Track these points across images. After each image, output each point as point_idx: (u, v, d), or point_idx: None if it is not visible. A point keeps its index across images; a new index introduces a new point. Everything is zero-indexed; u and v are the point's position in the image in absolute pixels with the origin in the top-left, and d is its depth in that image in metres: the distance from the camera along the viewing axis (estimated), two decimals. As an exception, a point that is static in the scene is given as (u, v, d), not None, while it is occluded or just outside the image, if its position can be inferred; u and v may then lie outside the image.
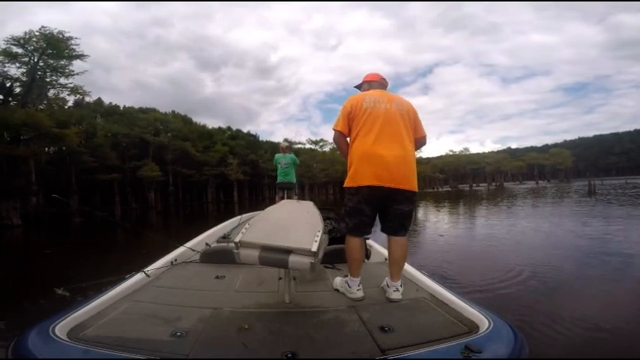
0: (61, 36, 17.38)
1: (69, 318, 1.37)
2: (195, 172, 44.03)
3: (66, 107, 27.87)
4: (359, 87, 2.27)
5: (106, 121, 39.51)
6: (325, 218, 2.31)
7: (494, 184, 74.36)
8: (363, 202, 1.90)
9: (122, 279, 1.98)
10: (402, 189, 1.88)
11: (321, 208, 2.31)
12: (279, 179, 6.39)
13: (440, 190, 64.69)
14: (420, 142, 2.11)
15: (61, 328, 1.29)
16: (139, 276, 2.06)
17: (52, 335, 1.22)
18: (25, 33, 16.64)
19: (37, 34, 16.79)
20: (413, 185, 1.93)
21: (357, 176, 1.90)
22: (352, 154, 1.97)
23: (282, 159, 6.42)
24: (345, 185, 1.99)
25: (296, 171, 6.69)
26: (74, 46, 17.88)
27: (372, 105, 1.95)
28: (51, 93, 19.18)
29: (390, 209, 1.93)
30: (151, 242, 6.56)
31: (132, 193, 37.52)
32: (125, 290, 1.83)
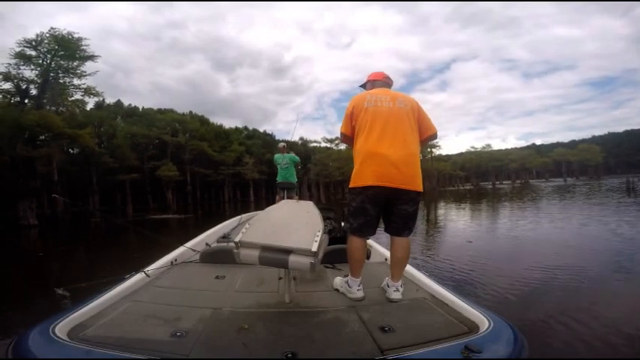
0: (70, 37, 17.64)
1: (69, 318, 1.36)
2: (212, 171, 44.69)
3: (87, 109, 28.39)
4: (364, 86, 2.25)
5: (125, 123, 40.41)
6: (325, 218, 2.25)
7: (518, 181, 71.60)
8: (367, 202, 1.87)
9: (122, 279, 1.97)
10: (407, 189, 1.85)
11: (321, 208, 2.25)
12: (279, 179, 6.42)
13: (460, 188, 62.61)
14: (431, 138, 2.09)
15: (61, 328, 1.28)
16: (139, 276, 2.05)
17: (52, 335, 1.20)
18: (37, 35, 17.07)
19: (47, 35, 17.12)
20: (417, 185, 1.89)
21: (361, 176, 1.88)
22: (356, 154, 1.95)
23: (281, 159, 6.45)
24: (349, 185, 1.96)
25: (297, 171, 6.68)
26: (84, 47, 18.13)
27: (374, 103, 1.93)
28: (71, 97, 19.43)
29: (394, 209, 1.90)
30: (155, 243, 6.17)
31: (151, 193, 38.18)
32: (125, 290, 1.82)
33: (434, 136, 2.10)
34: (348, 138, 2.05)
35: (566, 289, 3.83)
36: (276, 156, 6.57)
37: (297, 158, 6.67)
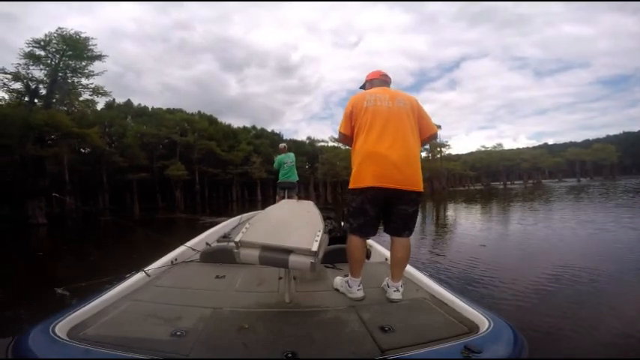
0: (78, 37, 17.77)
1: (69, 317, 1.36)
2: (220, 171, 44.93)
3: (98, 109, 28.72)
4: (363, 87, 2.22)
5: (135, 122, 40.84)
6: (325, 218, 2.22)
7: (530, 181, 70.16)
8: (367, 203, 1.86)
9: (122, 278, 1.97)
10: (407, 189, 1.83)
11: (322, 208, 2.23)
12: (282, 179, 6.43)
13: (470, 188, 61.58)
14: (431, 138, 2.06)
15: (62, 327, 1.28)
16: (139, 275, 2.06)
17: (52, 335, 1.21)
18: (46, 35, 17.26)
19: (55, 35, 17.29)
20: (418, 185, 1.88)
21: (360, 177, 1.86)
22: (355, 155, 1.93)
23: (286, 159, 6.47)
24: (349, 187, 1.94)
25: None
26: (92, 47, 18.25)
27: (373, 103, 1.91)
28: (80, 96, 19.60)
29: (395, 209, 1.88)
30: (156, 243, 6.03)
31: (160, 192, 38.53)
32: (125, 290, 1.82)
33: (434, 136, 2.08)
34: (348, 138, 2.03)
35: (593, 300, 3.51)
36: (281, 157, 6.55)
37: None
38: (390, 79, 2.17)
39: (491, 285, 4.06)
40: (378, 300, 1.83)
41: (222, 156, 44.53)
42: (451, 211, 16.36)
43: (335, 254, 2.37)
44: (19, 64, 16.88)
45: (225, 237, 3.82)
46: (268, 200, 43.10)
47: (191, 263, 2.58)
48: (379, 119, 1.87)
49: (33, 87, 17.23)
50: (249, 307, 1.68)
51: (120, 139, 37.06)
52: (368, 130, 1.87)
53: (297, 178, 6.65)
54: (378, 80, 2.13)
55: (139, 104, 47.78)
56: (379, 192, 1.82)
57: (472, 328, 1.41)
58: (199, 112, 51.55)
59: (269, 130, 64.34)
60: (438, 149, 54.84)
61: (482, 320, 1.41)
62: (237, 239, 1.63)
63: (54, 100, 17.61)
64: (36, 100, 17.45)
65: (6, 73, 16.51)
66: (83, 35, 17.86)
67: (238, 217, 4.94)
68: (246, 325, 1.43)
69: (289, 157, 6.53)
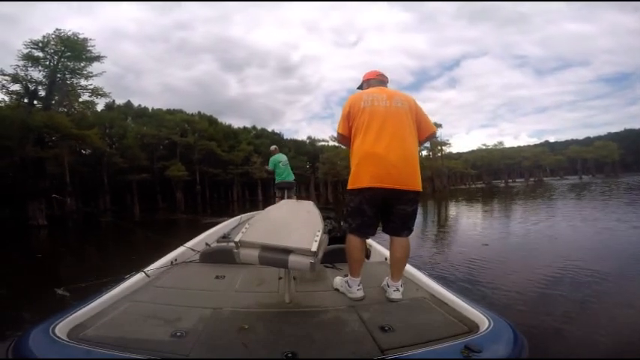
0: (76, 38, 17.76)
1: (69, 318, 1.36)
2: (221, 171, 44.87)
3: (98, 110, 28.72)
4: (360, 87, 2.22)
5: (135, 123, 40.83)
6: (325, 218, 2.22)
7: (532, 179, 69.99)
8: (365, 203, 1.86)
9: (122, 279, 1.97)
10: (405, 189, 1.83)
11: (321, 208, 2.22)
12: (279, 179, 6.45)
13: (472, 186, 61.46)
14: (430, 137, 2.05)
15: (62, 328, 1.28)
16: (139, 276, 2.06)
17: (52, 335, 1.21)
18: (44, 37, 17.28)
19: (53, 37, 17.31)
20: (417, 185, 1.88)
21: (358, 178, 1.86)
22: (353, 155, 1.94)
23: (280, 158, 6.49)
24: (347, 187, 1.94)
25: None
26: (90, 48, 18.26)
27: (370, 103, 1.91)
28: (80, 97, 19.56)
29: (393, 209, 1.88)
30: (156, 244, 5.97)
31: (161, 193, 38.49)
32: (125, 290, 1.82)
33: (433, 135, 2.09)
34: (346, 138, 2.03)
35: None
36: (276, 157, 6.58)
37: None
38: (387, 78, 2.17)
39: (493, 285, 4.03)
40: (378, 300, 1.82)
41: (222, 156, 44.49)
42: (453, 210, 16.29)
43: (335, 254, 2.36)
44: (18, 66, 16.89)
45: (225, 237, 3.82)
46: (269, 200, 42.95)
47: (191, 264, 2.57)
48: (376, 119, 1.86)
49: (32, 88, 17.22)
50: (249, 308, 1.68)
51: (120, 140, 37.05)
52: (365, 131, 1.87)
53: (294, 177, 6.73)
54: (375, 80, 2.13)
55: (139, 105, 47.77)
56: (377, 192, 1.82)
57: (472, 327, 1.40)
58: (199, 112, 51.53)
59: (269, 130, 64.33)
60: (439, 148, 54.73)
61: (483, 320, 1.40)
62: (236, 239, 1.63)
63: (53, 102, 17.62)
64: (35, 102, 17.43)
65: (5, 74, 16.56)
66: (81, 36, 17.91)
67: (238, 217, 4.92)
68: (246, 326, 1.42)
69: (282, 157, 6.62)
